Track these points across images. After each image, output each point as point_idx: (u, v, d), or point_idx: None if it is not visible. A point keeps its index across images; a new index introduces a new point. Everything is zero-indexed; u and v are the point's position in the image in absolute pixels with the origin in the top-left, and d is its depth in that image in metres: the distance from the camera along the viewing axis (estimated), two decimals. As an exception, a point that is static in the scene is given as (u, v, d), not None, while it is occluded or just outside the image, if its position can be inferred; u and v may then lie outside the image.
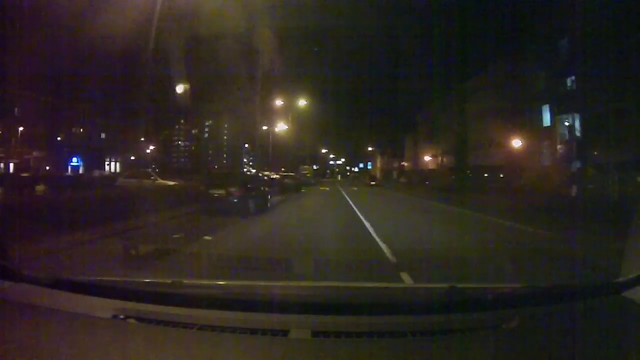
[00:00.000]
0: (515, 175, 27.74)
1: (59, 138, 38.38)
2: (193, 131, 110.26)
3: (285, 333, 1.51)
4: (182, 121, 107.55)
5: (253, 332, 1.52)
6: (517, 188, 24.22)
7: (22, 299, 1.77)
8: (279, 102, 39.27)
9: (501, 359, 1.42)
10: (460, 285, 1.94)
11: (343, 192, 29.51)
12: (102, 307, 1.70)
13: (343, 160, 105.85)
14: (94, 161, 40.08)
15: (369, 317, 1.66)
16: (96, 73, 35.75)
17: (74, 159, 39.64)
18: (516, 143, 28.97)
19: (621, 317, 1.71)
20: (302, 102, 41.40)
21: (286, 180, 32.10)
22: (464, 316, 1.67)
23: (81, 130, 42.10)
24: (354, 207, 16.64)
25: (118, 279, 2.08)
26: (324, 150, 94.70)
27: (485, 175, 33.68)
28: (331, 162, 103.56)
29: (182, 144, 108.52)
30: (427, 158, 51.80)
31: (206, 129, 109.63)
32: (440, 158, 46.68)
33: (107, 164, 43.81)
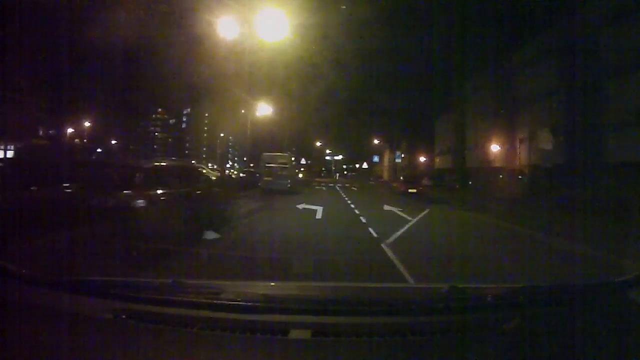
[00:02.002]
0: None
1: None
2: (170, 121, 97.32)
3: (285, 333, 1.51)
4: (159, 109, 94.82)
5: (253, 332, 1.52)
6: None
7: (22, 299, 1.78)
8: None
9: (501, 359, 1.43)
10: (460, 285, 1.86)
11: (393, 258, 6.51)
12: (102, 307, 1.70)
13: (341, 156, 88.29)
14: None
15: (369, 317, 1.65)
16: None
17: None
18: None
19: (623, 316, 1.70)
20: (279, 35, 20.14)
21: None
22: (464, 316, 1.67)
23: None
24: None
25: (118, 279, 2.08)
26: (318, 144, 77.78)
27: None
28: (327, 158, 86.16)
29: (160, 135, 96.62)
30: (494, 147, 32.72)
31: (184, 118, 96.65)
32: (523, 149, 27.60)
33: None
